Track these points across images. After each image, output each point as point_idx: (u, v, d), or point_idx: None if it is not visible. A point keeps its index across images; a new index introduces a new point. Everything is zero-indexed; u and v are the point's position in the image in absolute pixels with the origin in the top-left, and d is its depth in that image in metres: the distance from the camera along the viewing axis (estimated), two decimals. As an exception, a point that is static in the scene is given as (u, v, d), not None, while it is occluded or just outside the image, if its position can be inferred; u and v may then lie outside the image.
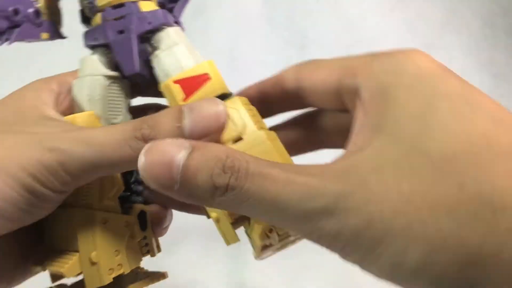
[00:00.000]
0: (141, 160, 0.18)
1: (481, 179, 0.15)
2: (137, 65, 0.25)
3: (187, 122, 0.21)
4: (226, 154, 0.18)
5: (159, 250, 0.29)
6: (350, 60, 0.21)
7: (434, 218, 0.15)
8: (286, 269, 0.50)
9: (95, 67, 0.26)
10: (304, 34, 0.88)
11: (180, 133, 0.20)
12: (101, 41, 0.26)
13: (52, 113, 0.24)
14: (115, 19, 0.25)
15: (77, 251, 0.23)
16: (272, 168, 0.17)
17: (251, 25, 0.84)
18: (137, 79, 0.26)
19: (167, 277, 0.28)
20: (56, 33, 0.28)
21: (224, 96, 0.24)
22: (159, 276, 0.27)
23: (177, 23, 0.29)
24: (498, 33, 0.96)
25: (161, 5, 0.29)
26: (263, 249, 0.23)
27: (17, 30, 0.26)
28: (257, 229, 0.22)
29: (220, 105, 0.22)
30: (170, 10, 0.29)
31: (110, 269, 0.24)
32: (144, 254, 0.27)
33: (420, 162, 0.16)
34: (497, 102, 0.20)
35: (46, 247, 0.25)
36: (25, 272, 0.25)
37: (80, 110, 0.26)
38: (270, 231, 0.22)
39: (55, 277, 0.25)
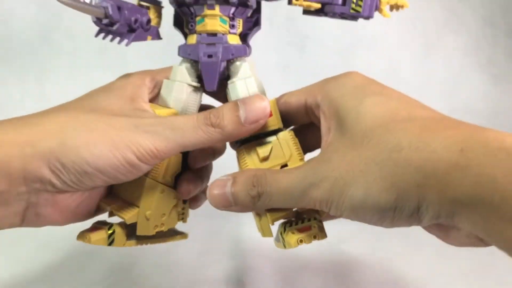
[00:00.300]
0: (208, 195, 0.30)
1: (388, 137, 0.25)
2: (216, 84, 0.33)
3: (242, 112, 0.30)
4: (253, 174, 0.29)
5: (200, 202, 0.38)
6: (311, 86, 0.32)
7: (366, 168, 0.24)
8: (285, 269, 0.50)
9: (184, 76, 0.33)
10: (304, 34, 0.88)
11: (238, 120, 0.30)
12: (192, 57, 0.33)
13: (146, 106, 0.32)
14: (208, 44, 0.32)
15: (137, 206, 0.32)
16: (279, 172, 0.29)
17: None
18: (210, 91, 0.34)
19: (187, 237, 0.38)
20: (156, 36, 0.35)
21: (279, 130, 0.32)
22: (182, 234, 0.37)
23: (248, 46, 0.36)
24: (498, 33, 0.96)
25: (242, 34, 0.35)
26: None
27: (133, 34, 0.32)
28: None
29: (266, 101, 0.31)
30: (245, 36, 0.36)
31: (155, 226, 0.33)
32: (179, 220, 0.36)
33: (356, 140, 0.26)
34: (403, 94, 0.29)
35: (114, 195, 0.34)
36: (97, 210, 0.33)
37: (164, 105, 0.33)
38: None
39: (112, 214, 0.33)
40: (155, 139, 0.28)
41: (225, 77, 0.34)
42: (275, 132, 0.32)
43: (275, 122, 0.32)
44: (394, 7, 0.36)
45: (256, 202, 0.28)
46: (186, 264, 0.50)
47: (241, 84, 0.33)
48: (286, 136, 0.32)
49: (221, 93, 0.34)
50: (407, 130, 0.24)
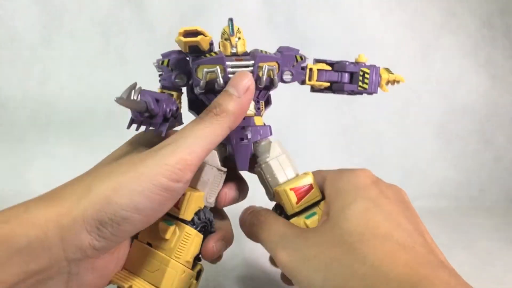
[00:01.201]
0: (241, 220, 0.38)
1: (359, 248, 0.27)
2: (248, 165, 0.36)
3: (232, 90, 0.32)
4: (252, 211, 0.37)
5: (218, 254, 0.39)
6: (325, 172, 0.36)
7: (327, 264, 0.28)
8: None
9: (214, 159, 0.35)
10: (304, 34, 0.88)
11: (233, 97, 0.31)
12: (224, 141, 0.34)
13: None
14: (240, 128, 0.35)
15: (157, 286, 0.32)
16: (276, 218, 0.35)
17: (251, 25, 0.84)
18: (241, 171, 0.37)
19: None
20: (180, 121, 0.36)
21: (320, 200, 0.35)
22: None
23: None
24: (496, 34, 0.97)
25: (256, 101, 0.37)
26: None
27: (167, 123, 0.33)
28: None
29: (246, 72, 0.33)
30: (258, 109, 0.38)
31: None
32: None
33: (334, 238, 0.29)
34: (399, 201, 0.31)
35: (128, 270, 0.33)
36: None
37: (192, 185, 0.35)
38: None
39: None
40: (176, 150, 0.29)
41: (251, 156, 0.36)
42: (317, 203, 0.35)
43: (316, 194, 0.35)
44: (391, 82, 0.40)
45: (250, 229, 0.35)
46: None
47: (275, 163, 0.36)
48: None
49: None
50: (376, 248, 0.26)
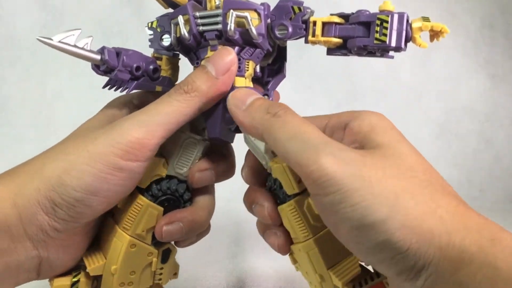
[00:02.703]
0: (229, 96, 0.28)
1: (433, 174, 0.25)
2: (219, 131, 0.30)
3: (210, 68, 0.28)
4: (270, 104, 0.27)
5: (175, 276, 0.35)
6: (334, 114, 0.30)
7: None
8: (284, 268, 0.51)
9: (185, 125, 0.30)
10: (304, 35, 0.88)
11: (209, 76, 0.28)
12: None
13: None
14: None
15: (106, 258, 0.30)
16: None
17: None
18: (213, 137, 0.31)
19: None
20: (169, 86, 0.32)
21: None
22: None
23: (267, 95, 0.33)
24: (496, 34, 0.97)
25: (256, 79, 0.32)
26: None
27: (136, 82, 0.30)
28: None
29: (230, 49, 0.29)
30: (266, 83, 0.33)
31: (121, 283, 0.30)
32: (154, 281, 0.32)
33: (405, 172, 0.24)
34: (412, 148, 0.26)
35: (96, 244, 0.31)
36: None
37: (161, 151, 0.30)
38: None
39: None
40: (131, 129, 0.26)
41: (235, 127, 0.30)
42: None
43: None
44: (433, 35, 0.31)
45: (269, 117, 0.26)
46: (187, 262, 0.50)
47: None
48: None
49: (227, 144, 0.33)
50: (444, 193, 0.24)
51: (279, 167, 0.28)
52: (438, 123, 0.94)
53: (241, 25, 0.29)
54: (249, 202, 0.32)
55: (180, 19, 0.29)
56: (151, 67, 0.31)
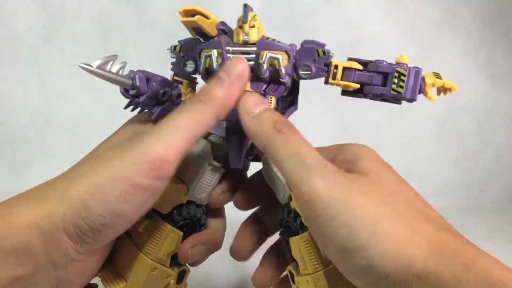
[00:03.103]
0: (241, 100, 0.29)
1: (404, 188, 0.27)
2: (241, 163, 0.31)
3: (223, 74, 0.29)
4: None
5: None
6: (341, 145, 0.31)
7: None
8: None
9: (207, 151, 0.32)
10: (304, 34, 0.88)
11: (224, 82, 0.28)
12: (220, 133, 0.32)
13: None
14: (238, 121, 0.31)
15: (126, 281, 0.31)
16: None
17: (251, 25, 0.84)
18: (234, 169, 0.32)
19: None
20: None
21: None
22: None
23: None
24: (496, 34, 0.97)
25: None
26: None
27: (161, 107, 0.31)
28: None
29: (241, 58, 0.30)
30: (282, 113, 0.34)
31: None
32: None
33: (387, 198, 0.25)
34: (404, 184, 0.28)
35: (111, 264, 0.32)
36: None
37: (179, 175, 0.32)
38: None
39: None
40: (153, 145, 0.26)
41: (254, 156, 0.32)
42: None
43: None
44: (442, 90, 0.33)
45: (276, 133, 0.27)
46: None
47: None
48: None
49: (244, 174, 0.34)
50: (426, 224, 0.25)
51: None
52: (438, 123, 0.94)
53: (272, 65, 0.31)
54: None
55: (214, 53, 0.30)
56: (174, 92, 0.31)
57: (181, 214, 0.32)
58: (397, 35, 0.93)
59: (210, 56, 0.30)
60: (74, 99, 0.80)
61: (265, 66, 0.30)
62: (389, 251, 0.23)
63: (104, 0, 0.82)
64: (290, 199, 0.31)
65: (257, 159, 0.33)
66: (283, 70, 0.31)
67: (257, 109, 0.29)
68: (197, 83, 0.34)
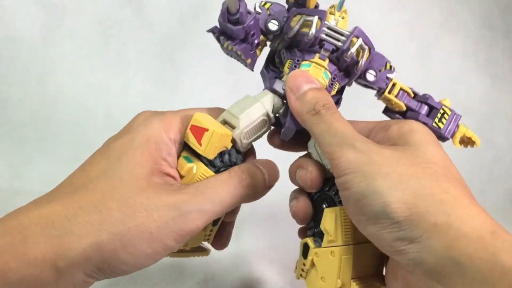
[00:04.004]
0: (289, 76, 0.31)
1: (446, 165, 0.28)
2: (292, 133, 0.33)
3: (267, 177, 0.32)
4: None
5: (226, 243, 0.38)
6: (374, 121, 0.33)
7: (409, 179, 0.26)
8: (284, 268, 0.51)
9: (268, 104, 0.33)
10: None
11: (265, 184, 0.32)
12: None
13: (172, 171, 0.31)
14: None
15: None
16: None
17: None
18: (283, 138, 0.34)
19: (208, 254, 0.37)
20: (252, 64, 0.34)
21: None
22: (204, 251, 0.37)
23: None
24: (496, 34, 0.97)
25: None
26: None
27: (244, 44, 0.32)
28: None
29: (276, 166, 0.34)
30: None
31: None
32: (204, 240, 0.35)
33: (420, 163, 0.27)
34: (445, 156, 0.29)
35: None
36: None
37: (231, 114, 0.32)
38: None
39: None
40: (196, 219, 0.28)
41: (302, 132, 0.32)
42: None
43: None
44: (466, 140, 0.37)
45: (314, 114, 0.29)
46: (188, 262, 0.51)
47: None
48: None
49: (289, 144, 0.36)
50: (457, 187, 0.26)
51: None
52: (438, 123, 0.94)
53: (357, 54, 0.33)
54: (295, 167, 0.34)
55: (315, 19, 0.31)
56: (257, 40, 0.32)
57: (222, 161, 0.32)
58: (397, 35, 0.93)
59: (310, 21, 0.31)
60: (73, 99, 0.80)
61: (353, 51, 0.32)
62: (406, 200, 0.24)
63: (104, 0, 0.82)
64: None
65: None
66: (363, 62, 0.33)
67: (302, 89, 0.30)
68: (266, 45, 0.35)
